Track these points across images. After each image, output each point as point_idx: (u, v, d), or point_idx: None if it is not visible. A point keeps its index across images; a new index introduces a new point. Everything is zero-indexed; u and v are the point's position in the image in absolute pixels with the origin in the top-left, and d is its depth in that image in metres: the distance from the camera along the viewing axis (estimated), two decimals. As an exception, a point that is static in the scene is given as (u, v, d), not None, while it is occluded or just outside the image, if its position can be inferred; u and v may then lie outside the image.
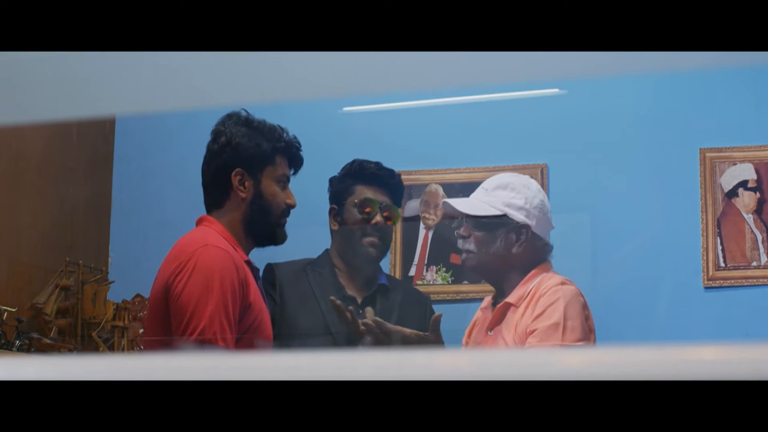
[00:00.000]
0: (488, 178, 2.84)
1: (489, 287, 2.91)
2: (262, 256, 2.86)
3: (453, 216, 2.86)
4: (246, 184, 2.65)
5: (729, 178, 3.73)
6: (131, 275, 4.07)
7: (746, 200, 3.71)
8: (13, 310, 3.53)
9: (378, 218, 3.15)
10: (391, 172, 3.24)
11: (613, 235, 3.78)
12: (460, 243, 2.82)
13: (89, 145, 4.17)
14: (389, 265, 3.87)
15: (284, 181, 2.70)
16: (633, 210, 3.77)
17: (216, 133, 2.69)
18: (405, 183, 3.78)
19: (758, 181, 3.72)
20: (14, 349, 3.47)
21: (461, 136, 3.99)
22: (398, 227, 3.88)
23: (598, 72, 1.00)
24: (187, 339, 2.43)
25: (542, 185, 3.84)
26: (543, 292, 2.66)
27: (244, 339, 2.50)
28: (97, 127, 4.19)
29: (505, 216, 2.75)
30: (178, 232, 4.09)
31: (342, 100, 3.84)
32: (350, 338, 2.98)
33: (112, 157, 4.24)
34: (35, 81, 1.05)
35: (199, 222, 2.69)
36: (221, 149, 2.66)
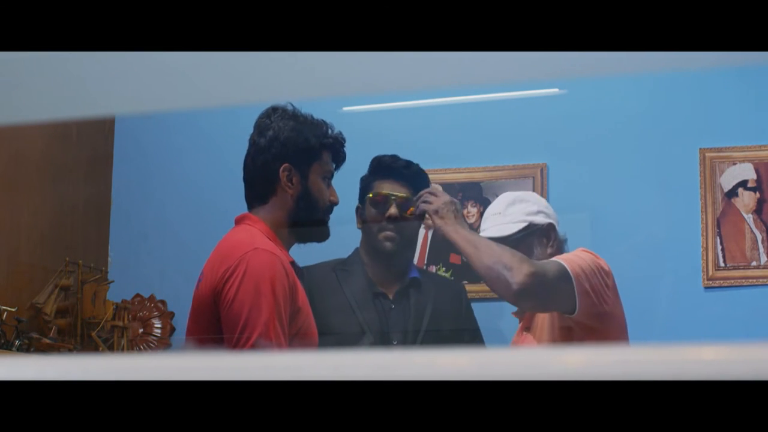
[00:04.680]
0: (496, 200, 2.90)
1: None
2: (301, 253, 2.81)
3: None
4: (294, 180, 2.55)
5: (729, 178, 3.73)
6: (131, 275, 4.08)
7: (746, 200, 3.71)
8: (13, 309, 3.53)
9: (392, 210, 3.13)
10: (407, 162, 3.22)
11: (613, 235, 3.78)
12: None
13: (89, 145, 4.17)
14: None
15: (329, 178, 2.61)
16: (633, 210, 3.77)
17: (261, 127, 2.59)
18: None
19: (758, 181, 3.72)
20: (14, 348, 3.47)
21: (461, 136, 3.99)
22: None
23: (598, 72, 1.00)
24: (242, 348, 2.32)
25: (542, 185, 3.85)
26: None
27: (291, 344, 2.40)
28: (97, 127, 4.20)
29: (529, 225, 2.78)
30: (178, 232, 4.12)
31: (342, 99, 3.84)
32: (383, 334, 2.98)
33: (111, 157, 4.24)
34: (35, 81, 1.05)
35: (240, 220, 2.58)
36: (269, 144, 2.56)
